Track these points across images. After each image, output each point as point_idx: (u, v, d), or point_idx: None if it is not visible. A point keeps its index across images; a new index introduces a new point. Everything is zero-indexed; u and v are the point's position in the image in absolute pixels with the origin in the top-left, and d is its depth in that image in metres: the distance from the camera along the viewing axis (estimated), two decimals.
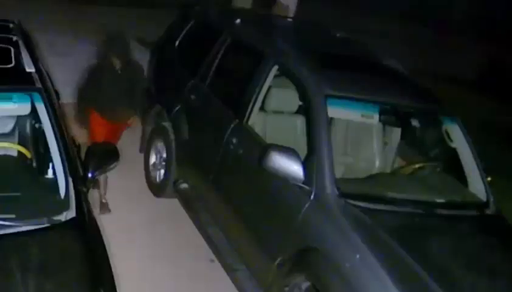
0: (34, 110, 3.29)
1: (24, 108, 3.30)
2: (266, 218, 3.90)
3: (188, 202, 4.91)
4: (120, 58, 4.66)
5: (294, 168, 3.55)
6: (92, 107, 4.76)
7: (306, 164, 3.60)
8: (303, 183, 3.56)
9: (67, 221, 2.79)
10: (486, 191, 3.97)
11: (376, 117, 4.16)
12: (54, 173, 3.08)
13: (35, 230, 2.69)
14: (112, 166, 3.30)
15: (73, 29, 9.22)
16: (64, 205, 2.86)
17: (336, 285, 3.21)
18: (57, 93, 4.12)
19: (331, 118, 4.22)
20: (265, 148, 3.66)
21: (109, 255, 2.84)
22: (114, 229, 4.54)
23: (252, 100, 4.28)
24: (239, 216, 4.17)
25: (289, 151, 3.58)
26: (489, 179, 4.06)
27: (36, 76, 3.33)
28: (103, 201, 4.88)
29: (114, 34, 4.82)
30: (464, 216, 3.79)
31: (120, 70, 4.68)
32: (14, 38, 3.74)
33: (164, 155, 5.19)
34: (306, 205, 3.54)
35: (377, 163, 4.65)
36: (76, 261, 2.63)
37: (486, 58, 13.44)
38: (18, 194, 3.00)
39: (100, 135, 4.71)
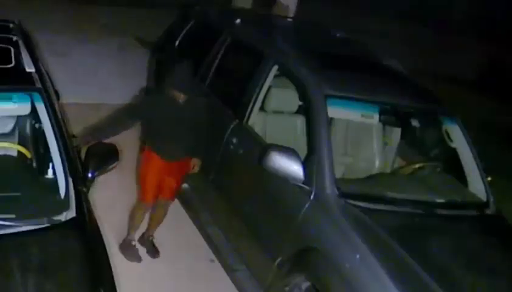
0: (34, 110, 3.29)
1: (24, 108, 3.30)
2: (266, 218, 3.90)
3: (188, 202, 4.90)
4: (183, 92, 3.95)
5: (294, 168, 3.55)
6: (146, 144, 4.25)
7: (306, 164, 3.60)
8: (303, 183, 3.56)
9: (67, 221, 2.79)
10: (486, 191, 3.97)
11: (376, 117, 4.17)
12: (54, 173, 3.08)
13: (35, 230, 2.69)
14: (112, 166, 3.30)
15: (73, 29, 9.23)
16: (64, 205, 2.86)
17: (336, 285, 3.21)
18: (57, 93, 4.12)
19: (331, 118, 4.22)
20: (265, 148, 3.66)
21: (109, 255, 2.84)
22: (114, 229, 4.56)
23: (252, 100, 4.28)
24: (239, 216, 4.17)
25: (289, 151, 3.58)
26: (489, 179, 4.06)
27: (36, 76, 3.34)
28: (150, 238, 4.45)
29: (176, 67, 4.12)
30: (464, 216, 3.79)
31: (183, 103, 4.00)
32: (14, 38, 3.75)
33: None
34: (306, 205, 3.54)
35: (377, 163, 4.65)
36: (76, 261, 2.63)
37: (486, 58, 13.42)
38: (18, 194, 2.99)
39: (153, 177, 4.15)
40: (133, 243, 4.40)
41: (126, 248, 4.36)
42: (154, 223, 4.47)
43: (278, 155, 3.54)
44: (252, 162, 3.87)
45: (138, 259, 4.36)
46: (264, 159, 3.56)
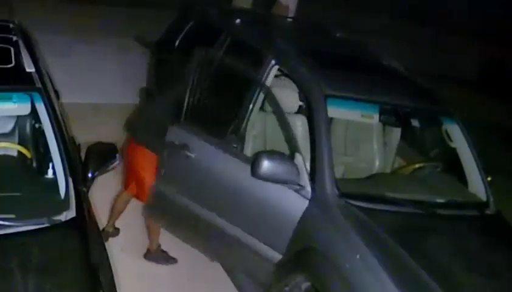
0: (34, 110, 3.29)
1: (24, 108, 3.30)
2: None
3: None
4: None
5: (288, 170, 3.51)
6: (138, 140, 4.22)
7: (306, 164, 3.58)
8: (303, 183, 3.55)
9: (67, 221, 2.79)
10: (486, 191, 3.97)
11: (376, 117, 4.16)
12: (54, 173, 3.08)
13: (35, 230, 2.69)
14: (112, 166, 3.30)
15: (73, 29, 9.22)
16: (64, 205, 2.87)
17: (336, 285, 3.21)
18: (57, 93, 4.12)
19: (331, 118, 4.22)
20: (255, 159, 3.55)
21: (109, 255, 2.84)
22: None
23: (252, 100, 4.27)
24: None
25: (278, 155, 3.54)
26: (489, 179, 4.07)
27: (36, 76, 3.34)
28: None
29: None
30: (464, 216, 3.79)
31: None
32: (14, 38, 3.75)
33: None
34: (306, 205, 3.53)
35: (377, 163, 4.64)
36: (76, 261, 2.63)
37: (486, 58, 13.43)
38: (18, 194, 3.00)
39: (150, 175, 4.21)
40: (160, 247, 4.39)
41: (156, 256, 4.36)
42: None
43: (269, 162, 3.49)
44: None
45: (173, 260, 4.39)
46: (256, 170, 3.51)
